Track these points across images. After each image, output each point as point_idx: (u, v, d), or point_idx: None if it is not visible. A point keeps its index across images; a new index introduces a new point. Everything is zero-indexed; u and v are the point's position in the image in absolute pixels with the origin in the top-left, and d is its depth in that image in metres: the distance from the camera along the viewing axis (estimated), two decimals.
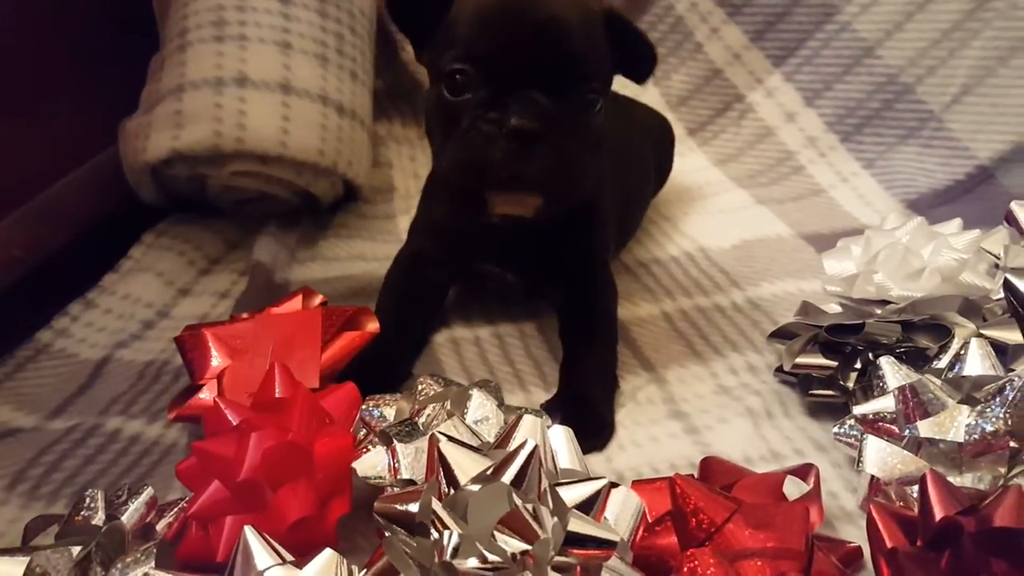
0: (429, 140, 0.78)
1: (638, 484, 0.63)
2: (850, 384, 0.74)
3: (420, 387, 0.72)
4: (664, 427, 0.77)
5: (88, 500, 0.63)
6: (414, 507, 0.52)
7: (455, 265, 0.89)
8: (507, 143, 0.66)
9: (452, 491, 0.53)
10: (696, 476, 0.67)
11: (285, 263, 1.05)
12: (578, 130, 0.70)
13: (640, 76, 0.82)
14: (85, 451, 0.77)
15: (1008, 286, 0.77)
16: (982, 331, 0.75)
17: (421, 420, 0.65)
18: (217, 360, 0.73)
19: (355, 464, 0.60)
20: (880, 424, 0.67)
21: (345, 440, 0.60)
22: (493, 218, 0.76)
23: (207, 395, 0.71)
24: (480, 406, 0.67)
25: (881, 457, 0.63)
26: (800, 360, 0.76)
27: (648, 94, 1.32)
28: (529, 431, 0.57)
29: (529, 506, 0.51)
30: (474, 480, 0.52)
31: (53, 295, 0.98)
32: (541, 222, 0.76)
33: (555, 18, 0.70)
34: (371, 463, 0.60)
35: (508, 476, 0.52)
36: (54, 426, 0.81)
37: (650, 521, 0.59)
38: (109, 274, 1.03)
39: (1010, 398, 0.62)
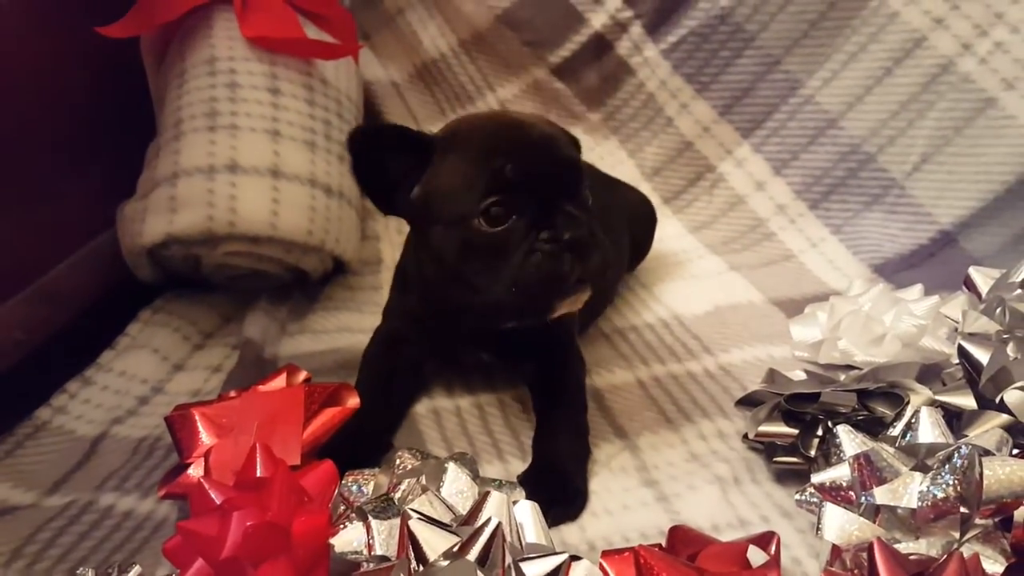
0: (452, 274, 0.80)
1: (607, 555, 0.65)
2: (811, 451, 0.77)
3: (398, 461, 0.75)
4: (636, 495, 0.80)
5: None
6: None
7: (431, 345, 0.93)
8: (570, 255, 0.75)
9: (421, 568, 0.56)
10: (664, 544, 0.70)
11: (275, 338, 1.09)
12: (595, 224, 0.78)
13: None
14: (80, 527, 0.80)
15: (962, 352, 0.81)
16: (937, 396, 0.78)
17: (397, 495, 0.68)
18: (205, 438, 0.77)
19: (333, 540, 0.63)
20: (838, 491, 0.69)
21: (322, 518, 0.63)
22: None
23: (195, 473, 0.75)
24: (455, 479, 0.70)
25: (839, 524, 0.65)
26: (763, 428, 0.79)
27: (624, 166, 1.39)
28: (495, 508, 0.60)
29: None
30: (442, 556, 0.55)
31: (54, 373, 1.02)
32: None
33: (555, 138, 0.81)
34: (348, 539, 0.63)
35: (473, 553, 0.55)
36: (50, 503, 0.84)
37: None
38: (107, 351, 1.07)
39: (959, 465, 0.65)
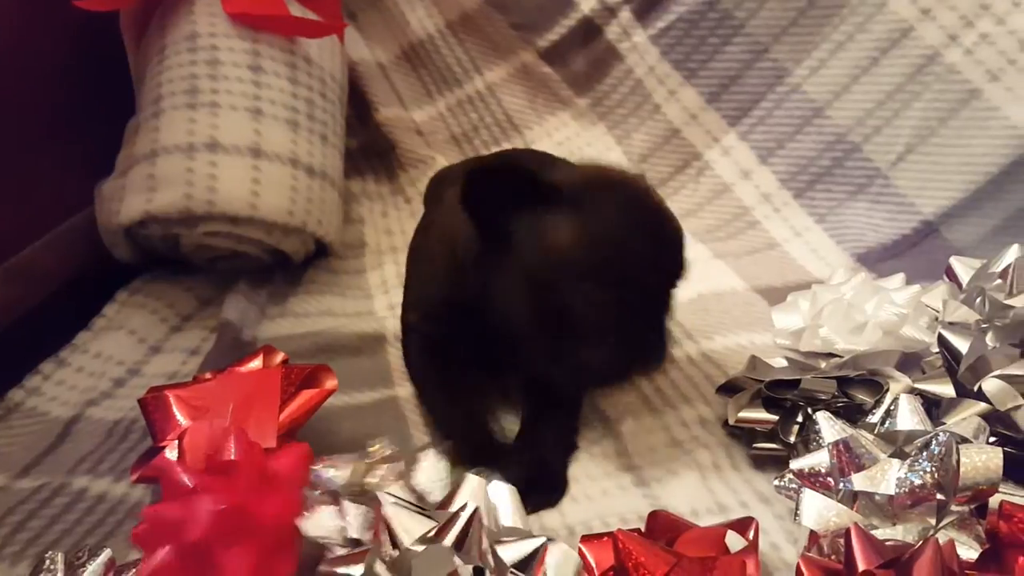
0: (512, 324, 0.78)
1: (586, 539, 0.65)
2: (791, 438, 0.77)
3: (372, 448, 0.74)
4: (616, 480, 0.80)
5: (48, 562, 0.65)
6: (358, 569, 0.54)
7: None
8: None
9: (396, 552, 0.55)
10: (643, 529, 0.69)
11: (254, 320, 1.08)
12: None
13: None
14: (51, 511, 0.78)
15: (942, 340, 0.81)
16: (917, 384, 0.78)
17: (373, 481, 0.67)
18: (180, 421, 0.75)
19: (304, 524, 0.62)
20: (817, 477, 0.70)
21: (292, 502, 0.62)
22: None
23: (170, 456, 0.73)
24: (431, 467, 0.69)
25: (817, 510, 0.65)
26: (743, 414, 0.79)
27: (612, 152, 1.38)
28: (472, 492, 0.59)
29: (470, 567, 0.53)
30: (417, 541, 0.55)
31: (28, 354, 1.00)
32: None
33: (682, 236, 0.79)
34: (319, 524, 0.62)
35: (450, 538, 0.54)
36: (21, 485, 0.82)
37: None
38: (82, 332, 1.05)
39: (936, 452, 0.65)
